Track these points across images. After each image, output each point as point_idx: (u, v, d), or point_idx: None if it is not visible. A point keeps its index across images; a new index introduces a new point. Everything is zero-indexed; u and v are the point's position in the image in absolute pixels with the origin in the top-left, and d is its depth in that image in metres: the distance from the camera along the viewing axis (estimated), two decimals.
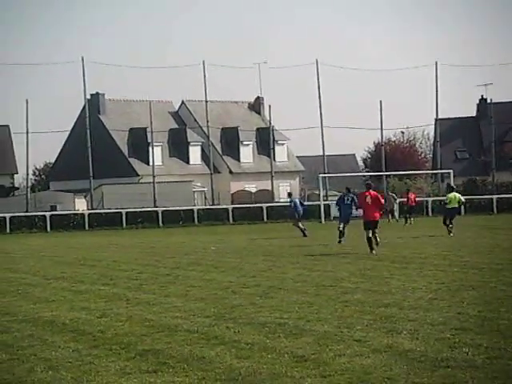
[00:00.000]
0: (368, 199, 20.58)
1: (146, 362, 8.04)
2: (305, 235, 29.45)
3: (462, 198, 28.79)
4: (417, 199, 41.60)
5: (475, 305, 10.82)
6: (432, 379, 6.89)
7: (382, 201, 21.38)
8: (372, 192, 20.80)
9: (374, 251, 20.13)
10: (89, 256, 23.44)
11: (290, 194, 33.39)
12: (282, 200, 59.98)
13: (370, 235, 20.30)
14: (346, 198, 26.07)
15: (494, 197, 50.38)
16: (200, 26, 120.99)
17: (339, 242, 24.80)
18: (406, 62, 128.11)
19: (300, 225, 30.17)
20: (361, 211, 21.64)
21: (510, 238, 24.42)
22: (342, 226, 25.31)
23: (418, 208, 43.99)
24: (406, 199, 39.88)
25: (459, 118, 68.02)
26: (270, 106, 59.43)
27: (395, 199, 43.42)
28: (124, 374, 7.56)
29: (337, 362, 7.68)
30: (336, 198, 29.37)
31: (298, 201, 31.27)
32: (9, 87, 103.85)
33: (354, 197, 25.45)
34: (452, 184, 35.11)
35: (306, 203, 34.87)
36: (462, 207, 34.81)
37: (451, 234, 27.04)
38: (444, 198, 30.30)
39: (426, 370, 7.23)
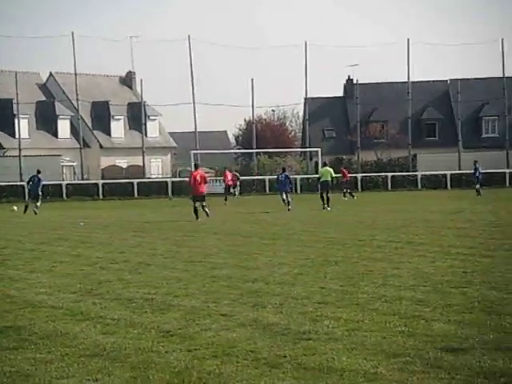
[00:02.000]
0: (198, 177, 25.05)
1: (6, 339, 7.84)
2: (25, 212, 31.33)
3: (333, 173, 30.68)
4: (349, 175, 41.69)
5: (338, 279, 11.20)
6: (294, 351, 7.10)
7: (208, 179, 26.31)
8: (200, 172, 25.71)
9: (199, 219, 24.21)
10: None
11: (38, 172, 33.17)
12: (153, 176, 59.62)
13: (197, 206, 24.78)
14: (280, 176, 31.24)
15: (359, 175, 52.14)
16: None
17: (288, 210, 29.06)
18: (279, 40, 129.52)
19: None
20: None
21: (372, 216, 25.37)
22: (284, 196, 30.28)
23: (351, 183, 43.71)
24: (341, 175, 40.03)
25: (327, 97, 69.66)
26: (141, 81, 58.85)
27: (238, 178, 46.89)
28: None
29: (203, 337, 7.77)
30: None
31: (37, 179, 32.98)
32: None
33: (288, 175, 31.76)
34: (323, 161, 36.39)
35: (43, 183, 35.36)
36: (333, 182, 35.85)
37: (328, 209, 28.81)
38: (313, 175, 31.59)
39: (289, 342, 7.45)
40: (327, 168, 31.02)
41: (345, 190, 39.05)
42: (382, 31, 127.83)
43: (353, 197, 38.47)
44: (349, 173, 42.51)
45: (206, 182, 25.46)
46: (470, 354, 6.82)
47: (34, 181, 31.86)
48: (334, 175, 31.06)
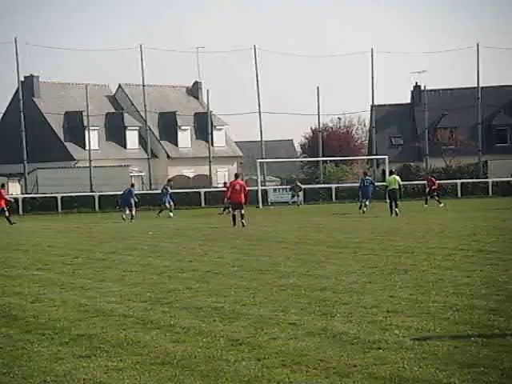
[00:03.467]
0: (237, 186, 26.19)
1: (79, 347, 7.97)
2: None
3: (400, 181, 30.74)
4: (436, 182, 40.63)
5: (407, 288, 11.04)
6: (364, 361, 7.01)
7: (247, 188, 27.23)
8: (239, 181, 26.79)
9: (238, 224, 25.57)
10: (22, 241, 23.04)
11: (132, 185, 35.67)
12: (220, 185, 60.02)
13: (236, 213, 26.18)
14: (365, 180, 32.96)
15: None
16: (137, 8, 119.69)
17: (363, 212, 31.81)
18: (344, 48, 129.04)
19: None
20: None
21: (441, 223, 24.95)
22: (364, 201, 32.52)
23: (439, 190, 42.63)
24: (428, 182, 39.92)
25: (394, 104, 68.93)
26: (207, 91, 59.24)
27: (300, 188, 47.45)
28: (57, 359, 7.49)
29: (271, 345, 7.75)
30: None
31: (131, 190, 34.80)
32: None
33: (371, 179, 33.62)
34: (389, 169, 36.16)
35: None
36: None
37: (396, 215, 29.26)
38: (380, 183, 31.54)
39: (358, 351, 7.36)
40: (394, 176, 31.10)
41: (437, 198, 38.70)
42: (450, 37, 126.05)
43: (439, 203, 37.71)
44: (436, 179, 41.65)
45: (245, 191, 26.27)
46: None
47: (124, 192, 34.77)
48: (401, 183, 31.07)
